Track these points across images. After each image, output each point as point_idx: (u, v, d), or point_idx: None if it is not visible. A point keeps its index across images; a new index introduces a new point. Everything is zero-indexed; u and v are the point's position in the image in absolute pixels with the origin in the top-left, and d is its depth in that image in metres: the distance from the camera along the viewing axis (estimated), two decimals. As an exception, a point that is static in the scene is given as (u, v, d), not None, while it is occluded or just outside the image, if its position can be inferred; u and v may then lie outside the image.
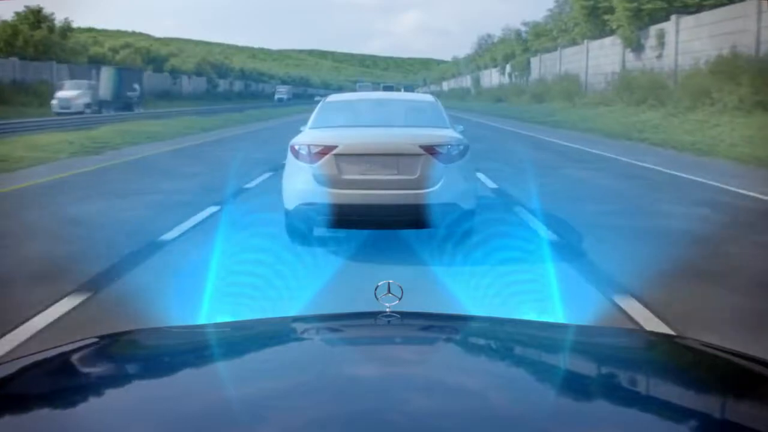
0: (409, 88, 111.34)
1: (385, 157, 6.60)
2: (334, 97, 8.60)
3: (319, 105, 7.90)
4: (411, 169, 6.50)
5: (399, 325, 1.59)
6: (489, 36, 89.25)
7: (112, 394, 1.28)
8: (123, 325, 3.16)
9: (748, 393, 1.31)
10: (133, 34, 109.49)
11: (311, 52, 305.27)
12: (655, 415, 1.19)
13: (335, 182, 6.50)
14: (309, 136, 6.96)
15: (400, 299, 1.59)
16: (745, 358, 1.44)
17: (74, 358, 1.47)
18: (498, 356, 1.54)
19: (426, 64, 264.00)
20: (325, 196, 6.47)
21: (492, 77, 72.98)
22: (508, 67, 63.56)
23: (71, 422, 1.15)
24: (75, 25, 52.65)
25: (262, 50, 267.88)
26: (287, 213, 6.82)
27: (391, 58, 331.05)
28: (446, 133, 6.96)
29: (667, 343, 1.82)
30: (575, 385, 1.30)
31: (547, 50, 51.62)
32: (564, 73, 45.17)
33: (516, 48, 60.64)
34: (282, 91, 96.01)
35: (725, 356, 1.48)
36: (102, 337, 1.60)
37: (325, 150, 6.56)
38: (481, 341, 1.64)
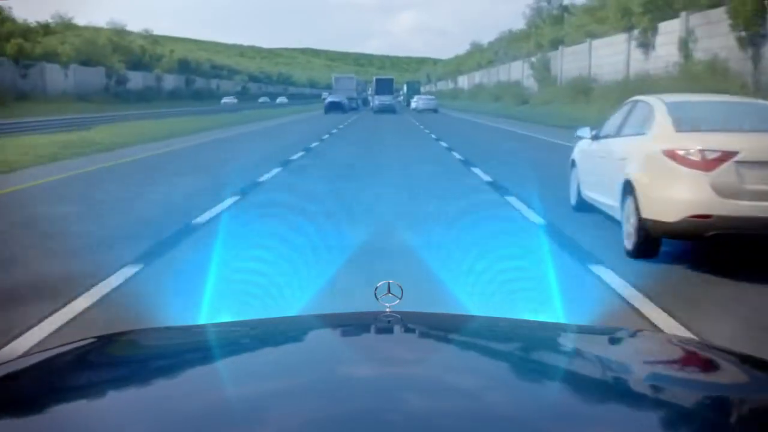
0: (412, 85, 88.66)
1: None
2: (674, 98, 7.65)
3: (666, 106, 7.00)
4: None
5: (399, 325, 1.58)
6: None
7: (111, 395, 1.29)
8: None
9: (747, 393, 1.32)
10: (122, 32, 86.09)
11: (303, 51, 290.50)
12: (655, 415, 1.20)
13: (737, 193, 5.88)
14: (692, 139, 6.19)
15: (400, 299, 1.58)
16: (744, 358, 1.46)
17: (73, 358, 1.46)
18: (498, 356, 1.52)
19: (422, 62, 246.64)
20: (726, 208, 5.86)
21: (617, 52, 36.26)
22: (693, 21, 27.89)
23: (71, 422, 1.16)
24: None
25: (252, 48, 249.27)
26: (658, 225, 6.16)
27: (387, 56, 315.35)
28: None
29: (666, 343, 1.84)
30: (575, 385, 1.31)
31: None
32: None
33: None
34: None
35: (725, 356, 1.50)
36: (101, 338, 1.61)
37: (725, 156, 5.92)
38: (481, 341, 1.63)
